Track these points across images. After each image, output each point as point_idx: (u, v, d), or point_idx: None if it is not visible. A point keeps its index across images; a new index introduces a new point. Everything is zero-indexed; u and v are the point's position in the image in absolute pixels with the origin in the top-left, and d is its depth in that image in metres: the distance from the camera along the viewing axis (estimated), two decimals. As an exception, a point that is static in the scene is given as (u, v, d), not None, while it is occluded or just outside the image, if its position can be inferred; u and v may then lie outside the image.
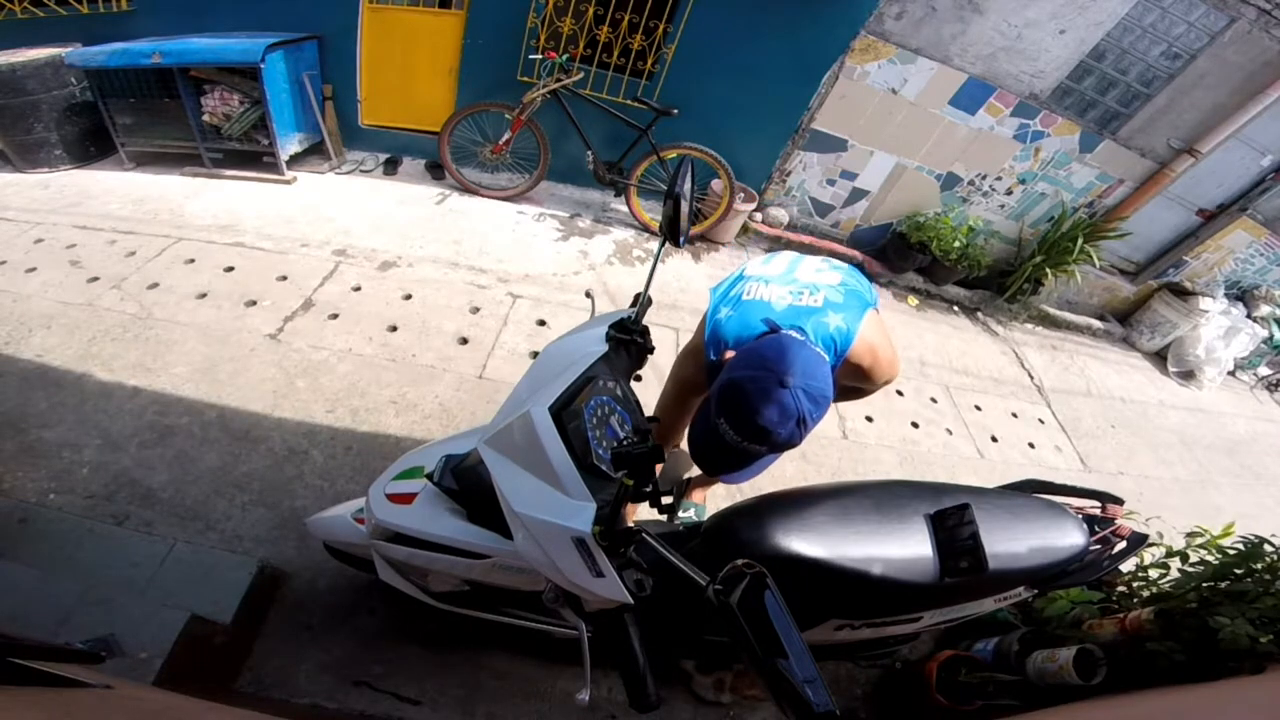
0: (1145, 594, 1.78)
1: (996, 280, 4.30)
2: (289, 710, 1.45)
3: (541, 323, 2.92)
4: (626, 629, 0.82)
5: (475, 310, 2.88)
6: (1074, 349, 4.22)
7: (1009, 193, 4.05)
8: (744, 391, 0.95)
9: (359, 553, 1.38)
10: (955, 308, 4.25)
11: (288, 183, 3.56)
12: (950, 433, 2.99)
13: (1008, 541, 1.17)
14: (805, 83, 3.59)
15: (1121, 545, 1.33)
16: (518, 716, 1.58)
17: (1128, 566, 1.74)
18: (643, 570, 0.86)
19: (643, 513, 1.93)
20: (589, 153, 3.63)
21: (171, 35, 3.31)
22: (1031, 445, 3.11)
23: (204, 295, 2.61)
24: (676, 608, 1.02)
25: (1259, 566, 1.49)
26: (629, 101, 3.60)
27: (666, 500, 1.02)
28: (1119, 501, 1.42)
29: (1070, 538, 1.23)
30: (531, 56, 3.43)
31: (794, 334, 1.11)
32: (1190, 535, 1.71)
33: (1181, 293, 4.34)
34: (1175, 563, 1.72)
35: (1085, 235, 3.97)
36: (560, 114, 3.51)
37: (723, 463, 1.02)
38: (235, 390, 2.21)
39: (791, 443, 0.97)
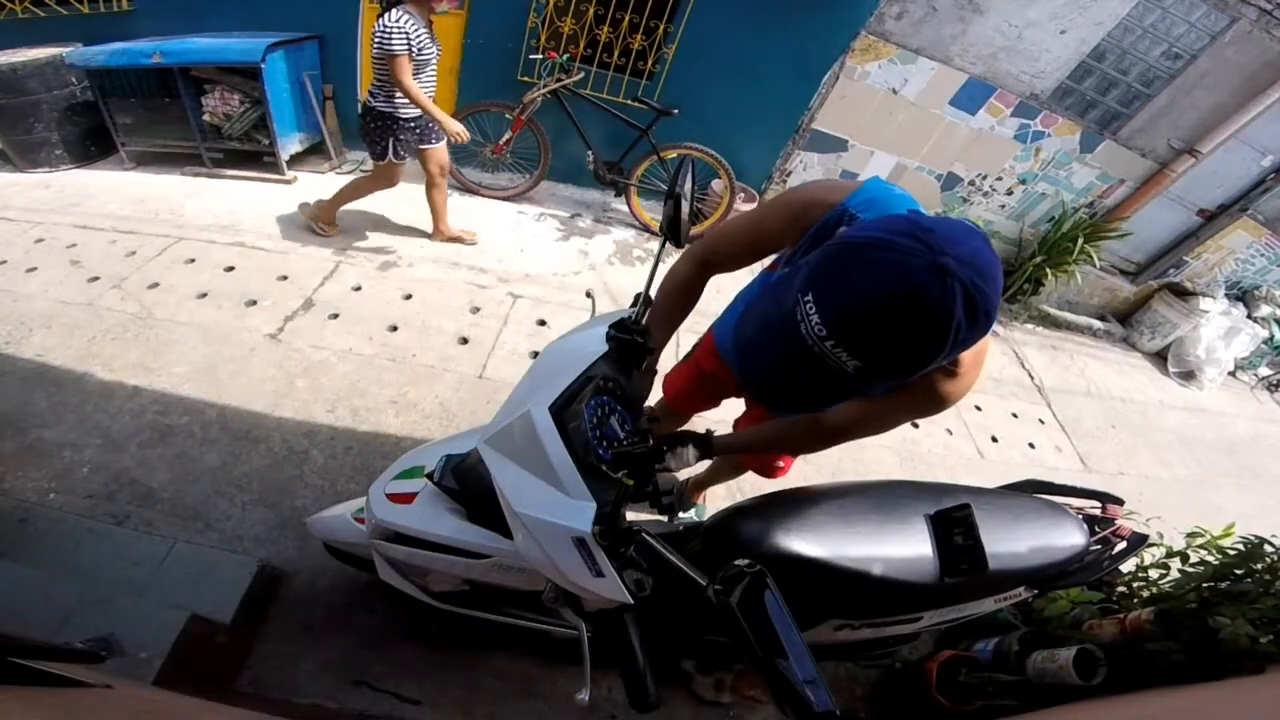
0: (1145, 594, 1.78)
1: (997, 280, 4.30)
2: (289, 710, 1.45)
3: (542, 323, 2.92)
4: (626, 629, 0.82)
5: (475, 310, 2.88)
6: (1074, 349, 4.22)
7: (1009, 193, 4.05)
8: (863, 258, 0.59)
9: (359, 552, 1.38)
10: (955, 308, 4.24)
11: (288, 182, 3.56)
12: (950, 433, 2.98)
13: (1008, 542, 1.17)
14: (805, 83, 3.60)
15: (1121, 545, 1.33)
16: (518, 716, 1.58)
17: (1128, 567, 1.74)
18: (643, 570, 0.86)
19: (643, 513, 1.93)
20: (589, 153, 3.63)
21: (172, 35, 3.31)
22: (1032, 445, 3.11)
23: (204, 295, 2.61)
24: (676, 608, 1.02)
25: (1259, 567, 1.49)
26: (629, 101, 3.60)
27: (666, 500, 1.02)
28: (1119, 502, 1.42)
29: (1070, 538, 1.23)
30: (532, 56, 3.43)
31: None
32: (1190, 535, 1.71)
33: (1182, 293, 4.33)
34: (1175, 563, 1.72)
35: (1086, 235, 3.97)
36: (560, 114, 3.50)
37: (772, 370, 0.71)
38: (235, 390, 2.21)
39: (908, 369, 0.63)
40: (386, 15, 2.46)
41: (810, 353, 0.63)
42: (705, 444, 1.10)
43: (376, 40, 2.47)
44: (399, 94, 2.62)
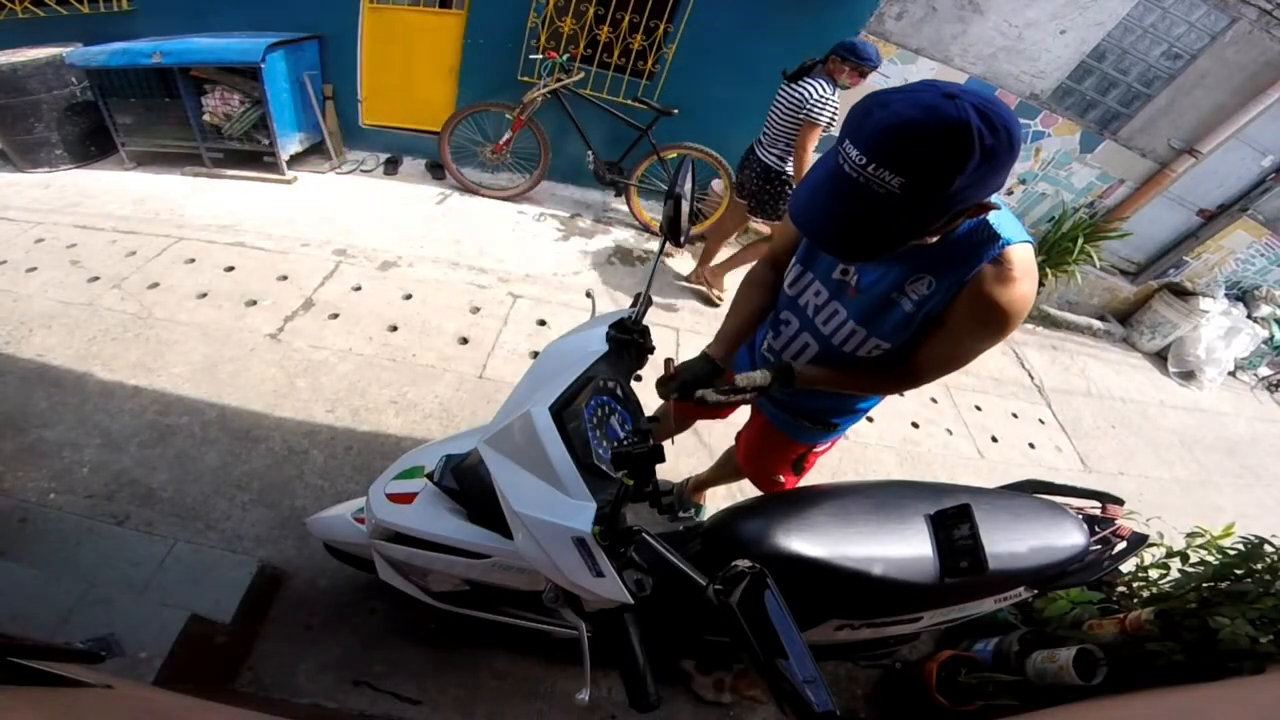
0: (1145, 594, 1.78)
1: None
2: (289, 710, 1.45)
3: (542, 323, 2.92)
4: (626, 629, 0.82)
5: (475, 310, 2.88)
6: (1074, 349, 4.22)
7: (1009, 193, 4.05)
8: (882, 100, 0.70)
9: (359, 552, 1.39)
10: (955, 308, 4.24)
11: (288, 182, 3.56)
12: (950, 433, 2.98)
13: (1008, 542, 1.17)
14: (805, 83, 3.59)
15: (1121, 545, 1.33)
16: (518, 716, 1.58)
17: (1128, 567, 1.74)
18: (643, 570, 0.86)
19: (643, 513, 1.93)
20: (589, 153, 3.63)
21: (172, 35, 3.31)
22: (1032, 445, 3.10)
23: (204, 295, 2.61)
24: (676, 608, 1.02)
25: (1259, 567, 1.50)
26: (629, 101, 3.60)
27: (666, 500, 1.02)
28: (1119, 502, 1.42)
29: (1070, 538, 1.23)
30: (532, 56, 3.43)
31: None
32: (1190, 535, 1.71)
33: (1182, 293, 4.33)
34: (1175, 563, 1.72)
35: (1086, 235, 3.97)
36: (560, 114, 3.51)
37: (831, 215, 0.77)
38: (235, 390, 2.21)
39: (947, 176, 0.69)
40: (821, 86, 2.51)
41: (856, 184, 0.72)
42: (788, 374, 1.06)
43: (810, 107, 2.51)
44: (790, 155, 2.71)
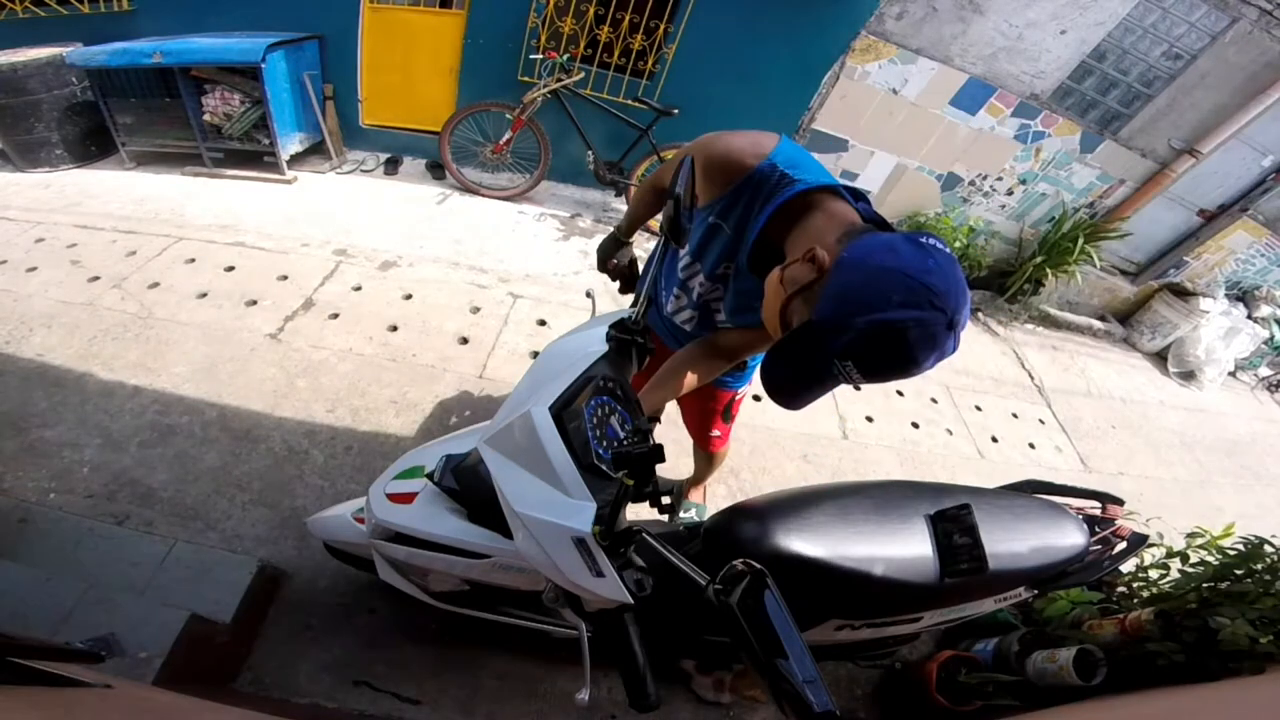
0: (1145, 594, 1.78)
1: (997, 280, 4.30)
2: (289, 710, 1.45)
3: (542, 322, 2.92)
4: (626, 629, 0.82)
5: (476, 310, 2.88)
6: (1074, 349, 4.22)
7: (1010, 193, 4.05)
8: (906, 341, 0.72)
9: (359, 552, 1.39)
10: (955, 308, 4.24)
11: (288, 182, 3.56)
12: (950, 433, 2.98)
13: (1008, 542, 1.17)
14: (806, 83, 3.59)
15: (1121, 546, 1.34)
16: (518, 716, 1.58)
17: (1128, 567, 1.75)
18: (643, 570, 0.86)
19: (643, 512, 1.93)
20: (589, 153, 3.63)
21: (172, 35, 3.32)
22: (1032, 445, 3.10)
23: (205, 295, 2.61)
24: (676, 608, 1.02)
25: (1259, 567, 1.50)
26: (630, 101, 3.60)
27: (666, 500, 1.02)
28: (1119, 502, 1.42)
29: (1070, 538, 1.23)
30: (532, 56, 3.43)
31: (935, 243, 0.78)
32: (1190, 536, 1.71)
33: (1182, 293, 4.33)
34: (1175, 563, 1.72)
35: (1086, 235, 3.96)
36: (561, 114, 3.51)
37: (797, 389, 0.87)
38: (236, 390, 2.21)
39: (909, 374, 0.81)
40: None
41: (835, 379, 0.79)
42: (656, 455, 1.09)
43: None
44: None
